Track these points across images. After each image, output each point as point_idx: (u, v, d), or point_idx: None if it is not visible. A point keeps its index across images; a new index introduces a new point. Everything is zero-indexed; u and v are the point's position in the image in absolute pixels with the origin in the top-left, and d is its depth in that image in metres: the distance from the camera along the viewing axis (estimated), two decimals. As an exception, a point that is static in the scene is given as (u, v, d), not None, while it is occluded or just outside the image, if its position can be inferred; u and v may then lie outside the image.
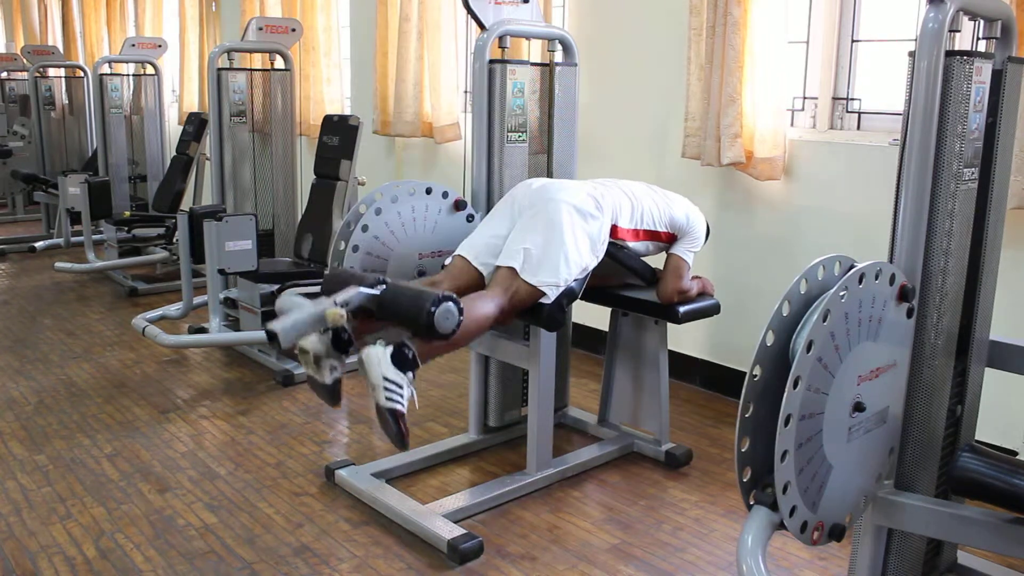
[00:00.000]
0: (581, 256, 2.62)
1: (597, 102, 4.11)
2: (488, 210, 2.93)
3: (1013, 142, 1.99)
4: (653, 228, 2.85)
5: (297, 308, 2.33)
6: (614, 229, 2.75)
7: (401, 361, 2.31)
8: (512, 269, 2.58)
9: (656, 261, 3.01)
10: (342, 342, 2.34)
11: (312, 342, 2.30)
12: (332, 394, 2.42)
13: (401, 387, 2.30)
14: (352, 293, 2.35)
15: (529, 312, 2.63)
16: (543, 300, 2.59)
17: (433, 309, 2.27)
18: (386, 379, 2.29)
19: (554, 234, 2.59)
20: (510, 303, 2.57)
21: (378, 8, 5.20)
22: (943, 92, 1.74)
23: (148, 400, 3.70)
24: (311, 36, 5.75)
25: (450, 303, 2.31)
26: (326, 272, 2.63)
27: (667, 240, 2.90)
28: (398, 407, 2.30)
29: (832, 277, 1.68)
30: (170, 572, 2.41)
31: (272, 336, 2.29)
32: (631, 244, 2.84)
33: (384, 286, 2.40)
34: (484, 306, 2.50)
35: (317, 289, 2.49)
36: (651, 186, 2.96)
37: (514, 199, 2.77)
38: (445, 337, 2.33)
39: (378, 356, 2.30)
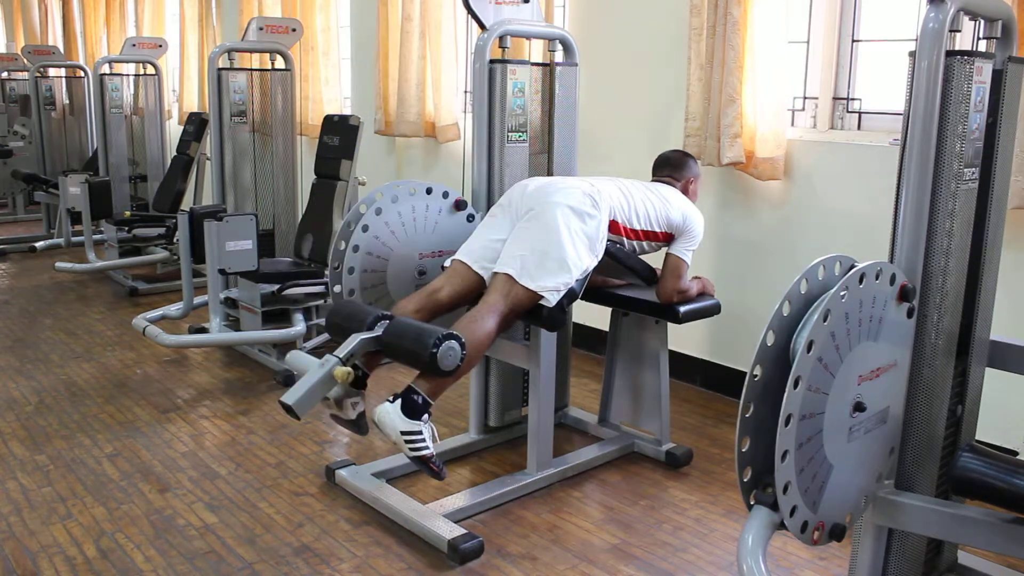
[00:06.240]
0: (581, 259, 2.61)
1: (597, 102, 4.11)
2: (488, 210, 2.92)
3: (1013, 142, 1.99)
4: (650, 228, 2.84)
5: (305, 373, 2.41)
6: (612, 224, 2.75)
7: (412, 409, 2.38)
8: (509, 276, 2.58)
9: (655, 260, 3.01)
10: (357, 380, 2.45)
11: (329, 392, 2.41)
12: (358, 426, 2.54)
13: (420, 433, 2.38)
14: (354, 344, 2.41)
15: (530, 313, 2.63)
16: (544, 303, 2.59)
17: (435, 350, 2.30)
18: (404, 433, 2.37)
19: (551, 238, 2.58)
20: (510, 309, 2.57)
21: (379, 8, 5.20)
22: (943, 92, 1.74)
23: (148, 400, 3.70)
24: (310, 36, 5.75)
25: (452, 341, 2.33)
26: (329, 306, 2.68)
27: (664, 239, 2.89)
28: (424, 453, 2.39)
29: (832, 277, 1.68)
30: (170, 572, 2.41)
31: (287, 408, 2.35)
32: (627, 241, 2.84)
33: (386, 322, 2.44)
34: (485, 324, 2.51)
35: (323, 340, 2.52)
36: (648, 185, 2.95)
37: (511, 201, 2.76)
38: (449, 373, 2.36)
39: (390, 414, 2.37)
